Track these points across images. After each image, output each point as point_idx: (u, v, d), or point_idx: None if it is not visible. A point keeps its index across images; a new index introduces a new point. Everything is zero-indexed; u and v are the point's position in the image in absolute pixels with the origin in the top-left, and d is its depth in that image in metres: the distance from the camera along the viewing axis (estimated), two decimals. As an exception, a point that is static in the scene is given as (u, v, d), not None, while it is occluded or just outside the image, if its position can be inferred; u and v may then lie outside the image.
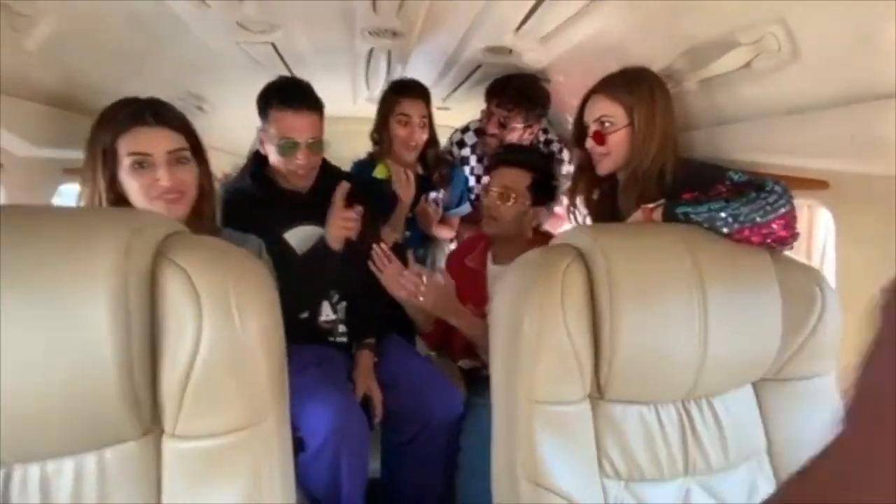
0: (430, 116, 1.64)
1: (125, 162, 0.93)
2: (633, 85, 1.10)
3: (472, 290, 1.33)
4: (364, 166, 1.71)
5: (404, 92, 1.59)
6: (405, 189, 1.58)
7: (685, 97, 1.17)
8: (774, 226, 0.78)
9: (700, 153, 1.18)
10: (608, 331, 0.71)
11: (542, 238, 1.43)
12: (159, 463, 0.57)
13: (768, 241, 0.80)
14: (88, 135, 0.95)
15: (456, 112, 2.16)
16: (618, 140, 1.10)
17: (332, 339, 1.43)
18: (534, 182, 1.31)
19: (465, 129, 1.87)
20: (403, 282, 1.23)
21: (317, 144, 1.30)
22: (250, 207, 1.31)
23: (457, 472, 1.28)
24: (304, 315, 1.40)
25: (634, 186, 1.10)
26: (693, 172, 1.04)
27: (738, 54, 0.97)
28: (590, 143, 1.14)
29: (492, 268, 1.41)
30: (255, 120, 2.09)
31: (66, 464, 0.55)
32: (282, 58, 1.54)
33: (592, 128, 1.13)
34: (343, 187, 1.26)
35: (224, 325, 0.55)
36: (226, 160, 1.89)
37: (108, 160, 0.93)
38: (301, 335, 1.35)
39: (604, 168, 1.15)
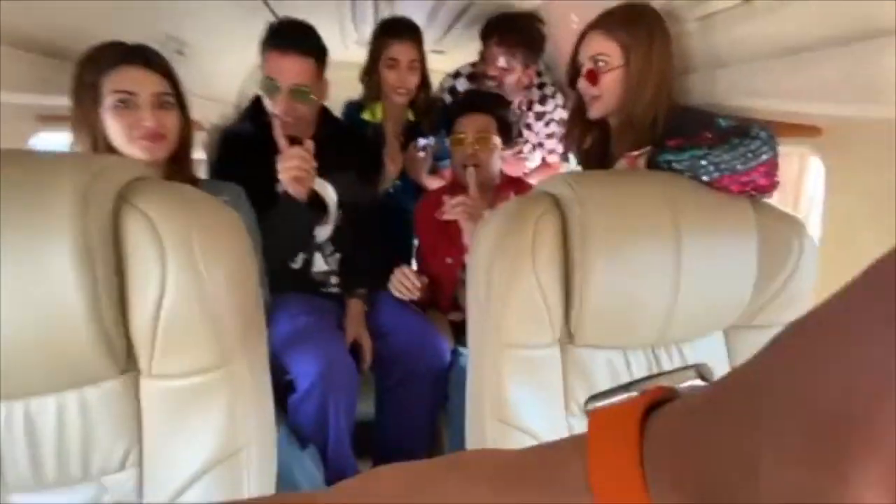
0: (421, 59, 1.57)
1: (108, 100, 0.93)
2: (631, 22, 1.04)
3: (448, 244, 1.32)
4: (355, 108, 1.67)
5: (393, 33, 1.52)
6: (393, 160, 1.54)
7: (684, 38, 1.11)
8: (755, 174, 0.76)
9: (696, 98, 1.13)
10: (579, 278, 0.71)
11: (512, 182, 1.43)
12: (138, 401, 0.60)
13: (748, 189, 0.78)
14: (72, 76, 0.95)
15: (450, 56, 2.07)
16: (611, 81, 1.05)
17: (324, 289, 1.46)
18: (499, 125, 1.32)
19: (456, 75, 1.79)
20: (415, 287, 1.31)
21: (301, 93, 1.24)
22: (247, 152, 1.29)
23: (444, 419, 1.35)
24: (297, 265, 1.42)
25: (627, 133, 1.06)
26: (682, 118, 1.00)
27: (739, -12, 0.91)
28: (582, 83, 1.09)
29: None
30: (240, 66, 2.03)
31: (49, 401, 0.58)
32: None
33: (586, 66, 1.08)
34: (278, 126, 1.17)
35: (188, 269, 0.56)
36: (210, 108, 1.84)
37: (92, 98, 0.94)
38: (294, 285, 1.39)
39: (595, 111, 1.10)
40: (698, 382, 0.20)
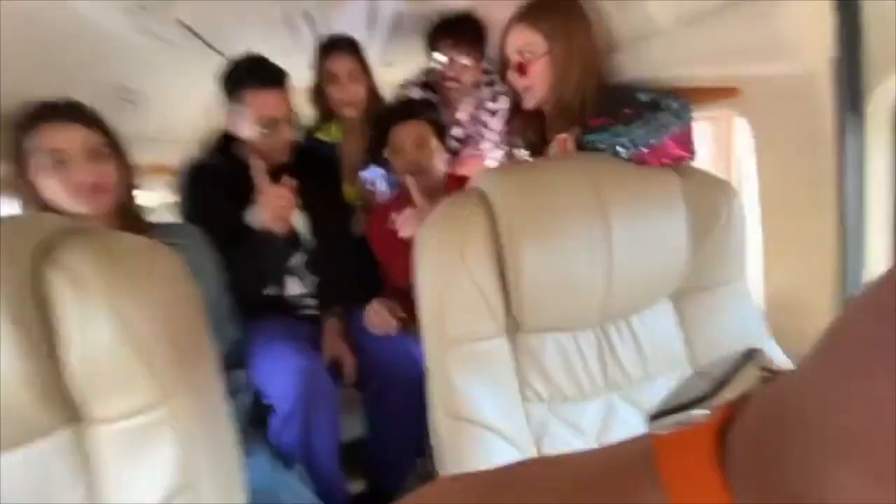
0: (365, 69, 1.59)
1: (40, 161, 0.93)
2: (549, 11, 1.07)
3: (406, 257, 1.33)
4: (312, 129, 1.69)
5: (327, 49, 1.54)
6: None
7: (604, 18, 1.13)
8: (667, 145, 0.78)
9: (625, 75, 1.16)
10: (512, 266, 0.73)
11: (458, 181, 1.44)
12: (88, 449, 0.61)
13: (664, 161, 0.80)
14: (6, 142, 0.96)
15: (400, 68, 2.09)
16: (538, 70, 1.08)
17: (300, 312, 1.47)
18: (434, 129, 1.35)
19: (406, 85, 1.81)
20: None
21: (294, 118, 1.33)
22: (218, 185, 1.32)
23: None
24: (271, 291, 1.43)
25: (560, 118, 1.09)
26: (609, 97, 1.02)
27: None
28: (512, 75, 1.12)
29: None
30: (195, 106, 2.06)
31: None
32: (199, 36, 1.48)
33: (514, 59, 1.10)
34: (260, 164, 1.21)
35: (114, 314, 0.57)
36: (170, 150, 1.86)
37: (25, 161, 0.93)
38: (268, 309, 1.40)
39: (529, 101, 1.13)
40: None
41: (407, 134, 1.33)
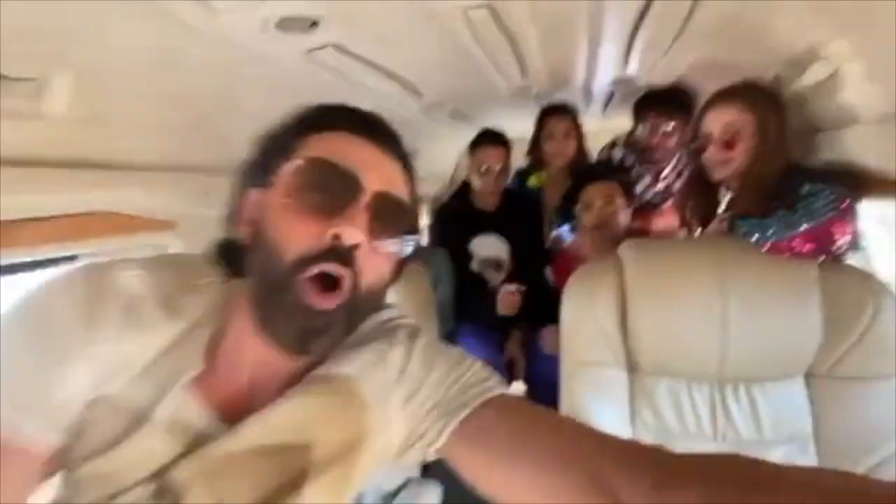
0: (577, 129, 1.93)
1: None
2: (758, 94, 1.13)
3: None
4: (523, 175, 2.14)
5: (548, 112, 1.95)
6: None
7: (803, 101, 1.17)
8: (794, 242, 0.86)
9: (824, 155, 1.16)
10: (631, 317, 0.98)
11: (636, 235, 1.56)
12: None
13: (791, 253, 0.88)
14: None
15: (618, 121, 2.33)
16: (744, 147, 1.10)
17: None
18: (623, 188, 1.55)
19: (612, 145, 2.03)
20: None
21: (504, 170, 1.89)
22: (450, 219, 1.99)
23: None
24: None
25: (746, 193, 1.11)
26: (785, 181, 1.06)
27: (822, 66, 1.00)
28: (712, 149, 1.15)
29: None
30: (447, 158, 2.83)
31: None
32: (465, 117, 2.14)
33: (718, 133, 1.14)
34: (515, 292, 1.76)
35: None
36: (436, 185, 2.67)
37: None
38: (476, 313, 1.92)
39: (721, 173, 1.14)
40: None
41: (597, 192, 1.57)
